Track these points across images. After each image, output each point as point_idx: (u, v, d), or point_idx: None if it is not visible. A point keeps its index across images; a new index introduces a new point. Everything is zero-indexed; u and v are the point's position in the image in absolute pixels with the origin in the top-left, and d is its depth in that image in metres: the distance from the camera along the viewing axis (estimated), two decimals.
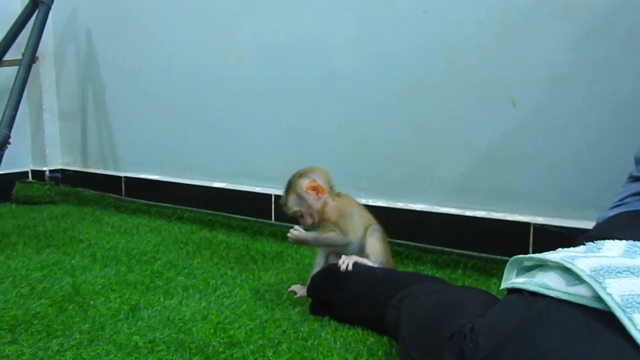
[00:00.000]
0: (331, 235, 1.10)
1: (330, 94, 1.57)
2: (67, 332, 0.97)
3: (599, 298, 0.50)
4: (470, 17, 1.30)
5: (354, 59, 1.51)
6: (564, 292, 0.54)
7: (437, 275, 1.28)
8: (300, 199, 1.14)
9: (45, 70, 2.33)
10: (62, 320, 1.02)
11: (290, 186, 1.16)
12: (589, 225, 1.20)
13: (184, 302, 1.13)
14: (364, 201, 1.52)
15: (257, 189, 1.75)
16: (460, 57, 1.33)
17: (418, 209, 1.42)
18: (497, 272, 1.27)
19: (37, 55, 1.99)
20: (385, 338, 0.94)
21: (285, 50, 1.64)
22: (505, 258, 1.34)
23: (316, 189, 1.14)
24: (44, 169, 2.37)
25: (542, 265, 0.63)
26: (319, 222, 1.14)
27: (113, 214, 2.01)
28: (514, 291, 0.61)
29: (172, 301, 1.13)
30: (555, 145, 1.22)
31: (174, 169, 2.00)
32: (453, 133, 1.36)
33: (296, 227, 1.12)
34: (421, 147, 1.42)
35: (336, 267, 1.07)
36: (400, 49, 1.42)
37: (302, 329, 0.99)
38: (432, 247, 1.39)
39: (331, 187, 1.17)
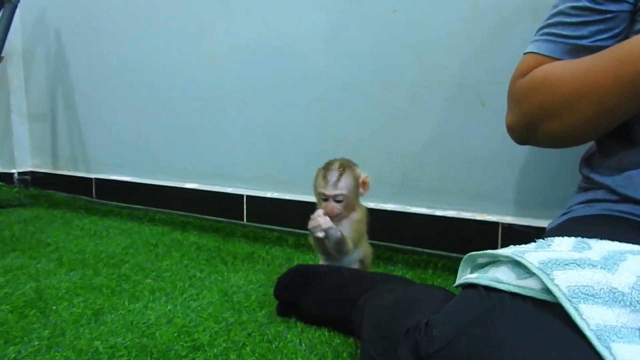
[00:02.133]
0: (350, 245, 1.08)
1: (304, 95, 1.56)
2: (25, 338, 0.94)
3: (547, 290, 0.51)
4: (439, 17, 1.30)
5: (327, 58, 1.50)
6: (515, 285, 0.54)
7: (407, 275, 1.27)
8: (353, 186, 1.07)
9: (13, 70, 2.28)
10: (22, 327, 0.99)
11: (348, 168, 1.07)
12: None
13: (149, 305, 1.11)
14: None
15: (230, 190, 1.74)
16: (431, 57, 1.32)
17: (389, 209, 1.41)
18: None
19: (3, 55, 1.95)
20: (351, 339, 0.94)
21: (258, 50, 1.63)
22: None
23: (366, 186, 1.09)
24: (13, 171, 2.32)
25: (495, 262, 0.63)
26: (341, 219, 1.08)
27: (84, 216, 1.98)
28: (468, 287, 0.61)
29: (137, 305, 1.11)
30: (525, 146, 1.23)
31: (146, 170, 1.97)
32: (424, 133, 1.36)
33: (321, 212, 1.05)
34: (392, 147, 1.41)
35: (303, 267, 1.06)
36: (372, 49, 1.41)
37: (268, 331, 0.98)
38: (403, 247, 1.39)
39: None
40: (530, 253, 0.56)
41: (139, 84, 1.94)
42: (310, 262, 1.38)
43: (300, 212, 1.54)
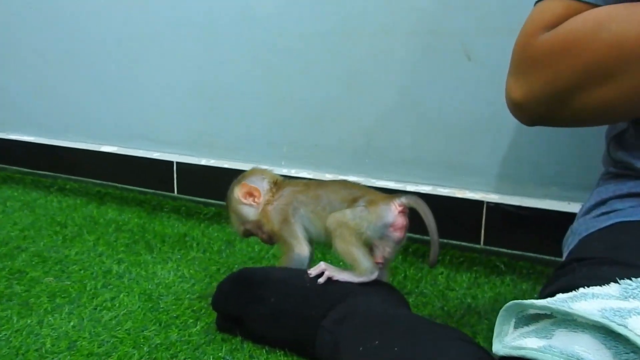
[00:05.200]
0: (285, 259, 0.84)
1: (245, 42, 1.28)
2: None
3: None
4: None
5: None
6: None
7: None
8: (239, 214, 0.89)
9: None
10: None
11: (227, 204, 0.92)
12: (552, 205, 1.02)
13: (46, 320, 0.85)
14: (284, 171, 1.28)
15: (156, 155, 1.46)
16: None
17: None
18: (443, 258, 1.08)
19: None
20: None
21: None
22: (454, 242, 1.17)
23: (250, 193, 0.88)
24: None
25: (554, 317, 0.42)
26: (271, 236, 0.88)
27: None
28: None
29: (29, 320, 0.85)
30: None
31: (54, 129, 1.65)
32: (394, 91, 1.14)
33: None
34: (355, 109, 1.18)
35: (249, 272, 0.82)
36: None
37: (206, 358, 0.75)
38: None
39: (276, 184, 0.89)
40: (634, 317, 0.35)
41: (45, 28, 1.60)
42: (258, 247, 1.15)
43: None
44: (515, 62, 0.63)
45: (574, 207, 1.00)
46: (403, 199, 0.79)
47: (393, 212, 0.78)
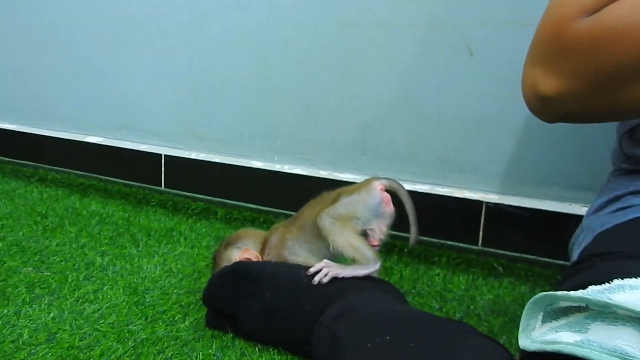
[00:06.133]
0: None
1: (237, 30, 1.24)
2: None
3: None
4: None
5: None
6: None
7: None
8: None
9: None
10: None
11: (216, 259, 0.87)
12: (553, 206, 1.00)
13: (24, 310, 0.80)
14: (277, 167, 1.24)
15: (143, 147, 1.40)
16: None
17: (345, 179, 1.15)
18: (440, 259, 1.05)
19: None
20: None
21: None
22: (450, 243, 1.14)
23: (248, 258, 0.85)
24: None
25: (587, 308, 0.38)
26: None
27: None
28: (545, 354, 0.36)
29: (6, 310, 0.80)
30: (520, 105, 0.98)
31: (35, 117, 1.58)
32: (392, 85, 1.10)
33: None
34: (351, 102, 1.14)
35: (243, 266, 0.78)
36: None
37: (195, 354, 0.71)
38: None
39: (264, 239, 0.87)
40: None
41: (25, 8, 1.53)
42: None
43: (232, 177, 1.28)
44: (544, 51, 0.56)
45: (575, 209, 0.98)
46: (382, 180, 0.81)
47: (378, 189, 0.80)
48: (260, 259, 0.84)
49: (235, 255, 0.84)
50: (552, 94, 0.56)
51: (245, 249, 0.85)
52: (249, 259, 0.83)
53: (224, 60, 1.27)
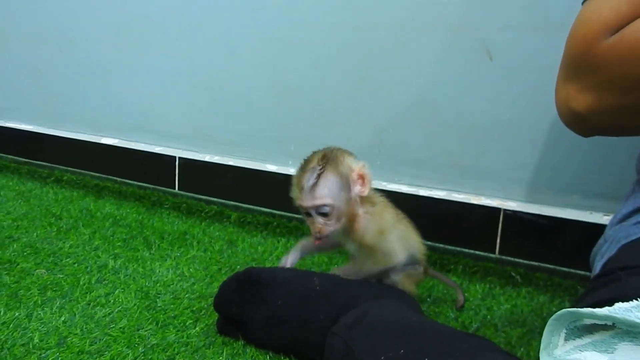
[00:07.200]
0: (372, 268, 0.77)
1: (253, 32, 1.23)
2: None
3: None
4: None
5: None
6: None
7: None
8: (340, 187, 0.72)
9: None
10: None
11: (330, 162, 0.72)
12: (574, 215, 0.97)
13: (35, 314, 0.79)
14: (291, 171, 1.22)
15: (158, 149, 1.40)
16: None
17: None
18: (456, 267, 1.03)
19: None
20: None
21: None
22: (466, 251, 1.12)
23: (363, 178, 0.74)
24: None
25: (613, 327, 0.36)
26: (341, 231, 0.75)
27: None
28: None
29: (18, 312, 0.79)
30: (540, 110, 0.97)
31: (51, 118, 1.59)
32: (409, 89, 1.08)
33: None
34: (367, 105, 1.13)
35: (255, 272, 0.77)
36: None
37: None
38: None
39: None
40: None
41: (41, 11, 1.54)
42: (261, 248, 1.10)
43: (246, 180, 1.28)
44: (574, 69, 0.56)
45: (596, 217, 0.95)
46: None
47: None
48: (367, 189, 0.75)
49: (355, 165, 0.74)
50: (585, 110, 0.56)
51: (364, 164, 0.75)
52: (364, 175, 0.74)
53: (238, 63, 1.26)
